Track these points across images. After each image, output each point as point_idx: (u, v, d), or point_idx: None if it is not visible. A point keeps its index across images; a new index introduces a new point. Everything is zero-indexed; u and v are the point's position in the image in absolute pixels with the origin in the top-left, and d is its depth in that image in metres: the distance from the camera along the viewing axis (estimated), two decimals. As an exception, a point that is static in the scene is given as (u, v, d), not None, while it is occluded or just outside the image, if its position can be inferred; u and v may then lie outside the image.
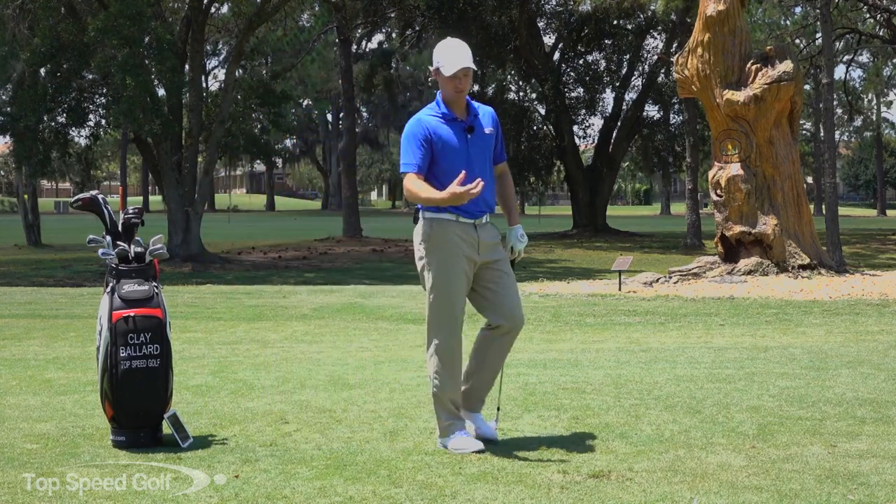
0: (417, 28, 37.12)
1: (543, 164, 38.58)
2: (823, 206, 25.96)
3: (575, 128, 37.78)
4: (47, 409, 6.02)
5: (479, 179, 4.71)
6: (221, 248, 29.07)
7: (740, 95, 15.74)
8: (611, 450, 4.84)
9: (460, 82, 4.94)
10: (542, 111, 38.66)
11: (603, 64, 39.31)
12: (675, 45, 33.29)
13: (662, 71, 36.28)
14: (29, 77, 24.27)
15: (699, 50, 16.19)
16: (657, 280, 16.02)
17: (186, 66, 26.00)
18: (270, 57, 41.56)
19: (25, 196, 34.54)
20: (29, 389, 6.76)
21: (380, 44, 47.25)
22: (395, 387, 6.75)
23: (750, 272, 15.64)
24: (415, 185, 4.85)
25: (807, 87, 43.26)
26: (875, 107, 72.03)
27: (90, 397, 6.22)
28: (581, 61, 39.08)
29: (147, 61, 23.72)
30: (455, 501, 4.04)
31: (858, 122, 72.38)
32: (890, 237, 35.93)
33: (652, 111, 40.01)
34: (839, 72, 46.26)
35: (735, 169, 15.84)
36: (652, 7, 31.83)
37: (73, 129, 26.84)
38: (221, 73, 48.84)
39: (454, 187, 4.67)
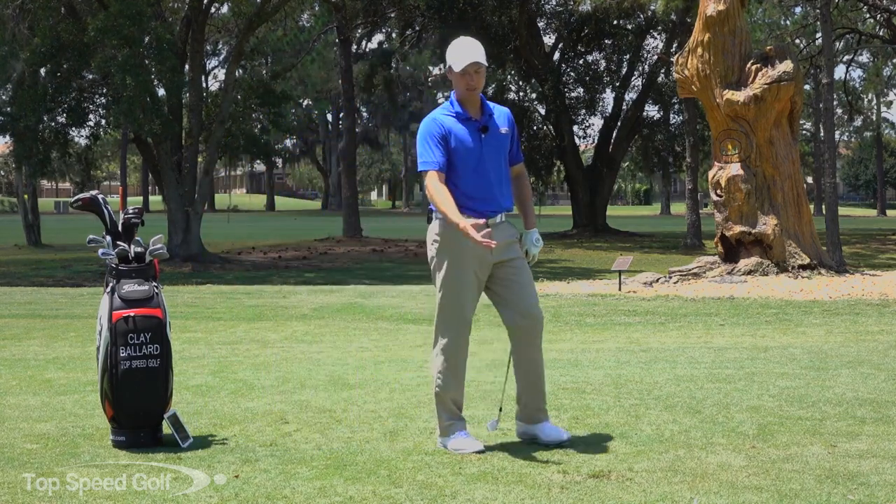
0: (417, 28, 37.12)
1: (543, 164, 38.56)
2: (823, 206, 25.95)
3: (575, 128, 37.79)
4: (47, 409, 6.02)
5: (492, 241, 4.64)
6: (221, 248, 29.06)
7: (740, 95, 15.74)
8: (611, 450, 4.84)
9: (471, 79, 4.89)
10: (542, 111, 38.67)
11: (603, 64, 39.32)
12: (675, 45, 33.29)
13: (662, 71, 36.28)
14: (29, 77, 24.26)
15: (699, 50, 16.20)
16: (657, 280, 16.02)
17: (186, 66, 25.98)
18: (270, 57, 41.51)
19: (25, 196, 34.53)
20: (29, 389, 6.76)
21: (380, 44, 47.23)
22: (395, 387, 6.75)
23: (750, 272, 15.64)
24: (436, 189, 4.80)
25: (807, 87, 43.30)
26: (875, 107, 72.05)
27: (90, 397, 6.22)
28: (581, 61, 39.08)
29: (147, 61, 23.71)
30: (455, 501, 4.04)
31: (858, 122, 72.42)
32: (890, 237, 35.92)
33: (652, 111, 40.06)
34: (839, 72, 46.30)
35: (735, 169, 15.85)
36: (652, 7, 31.83)
37: (73, 129, 26.81)
38: (221, 73, 48.92)
39: (470, 229, 4.60)
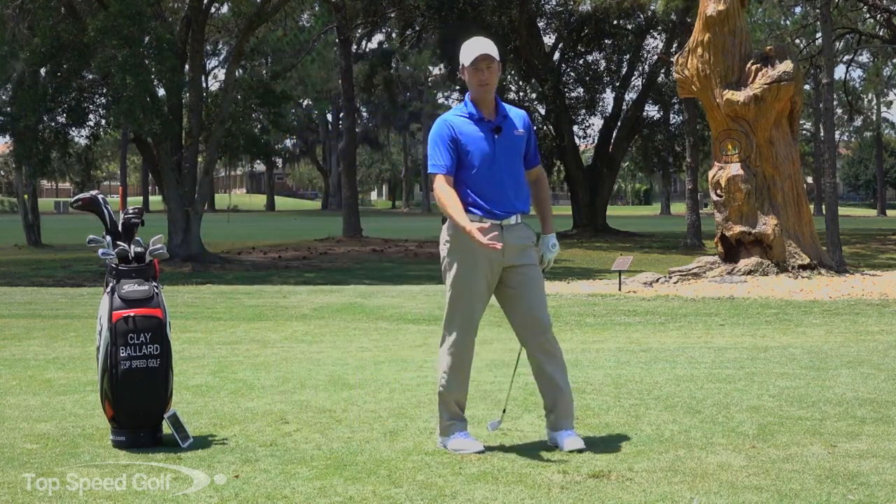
0: (417, 28, 37.12)
1: (543, 164, 38.32)
2: (823, 206, 25.95)
3: (575, 128, 37.79)
4: (47, 409, 6.02)
5: (498, 243, 4.65)
6: (221, 248, 29.06)
7: (740, 95, 15.74)
8: (611, 450, 4.83)
9: (483, 74, 4.84)
10: (542, 111, 38.65)
11: (603, 64, 39.31)
12: (675, 45, 33.29)
13: (662, 71, 36.28)
14: (29, 77, 24.26)
15: (699, 50, 16.19)
16: (657, 280, 16.02)
17: (186, 66, 25.99)
18: (270, 57, 41.51)
19: (25, 196, 34.53)
20: (29, 389, 6.76)
21: (380, 44, 47.21)
22: (395, 387, 6.75)
23: (750, 272, 15.64)
24: (444, 193, 4.78)
25: (807, 87, 43.30)
26: (875, 107, 72.06)
27: (90, 397, 6.22)
28: (581, 61, 39.08)
29: (147, 61, 23.70)
30: (455, 501, 4.04)
31: (858, 122, 72.40)
32: (890, 237, 35.91)
33: (652, 111, 40.06)
34: (839, 72, 46.27)
35: (735, 169, 15.84)
36: (652, 7, 31.82)
37: (73, 129, 26.81)
38: (221, 73, 48.90)
39: (475, 231, 4.61)
